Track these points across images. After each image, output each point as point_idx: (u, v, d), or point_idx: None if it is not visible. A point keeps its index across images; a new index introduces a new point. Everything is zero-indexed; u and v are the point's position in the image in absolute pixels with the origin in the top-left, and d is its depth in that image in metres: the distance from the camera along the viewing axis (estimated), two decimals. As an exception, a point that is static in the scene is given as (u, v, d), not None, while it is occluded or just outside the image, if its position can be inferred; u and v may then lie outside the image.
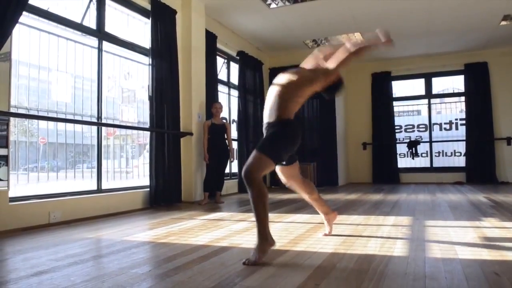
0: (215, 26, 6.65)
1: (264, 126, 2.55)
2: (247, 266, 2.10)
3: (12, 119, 3.44)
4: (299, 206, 4.81)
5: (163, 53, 5.19)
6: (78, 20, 4.41)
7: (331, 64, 2.53)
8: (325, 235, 2.90)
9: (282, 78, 2.57)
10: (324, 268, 2.05)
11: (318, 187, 8.03)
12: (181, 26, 5.73)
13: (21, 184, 3.89)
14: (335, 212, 2.97)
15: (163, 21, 5.21)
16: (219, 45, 6.83)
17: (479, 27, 7.12)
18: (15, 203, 3.43)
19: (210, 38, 6.37)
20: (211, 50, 6.40)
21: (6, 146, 3.31)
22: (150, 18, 5.10)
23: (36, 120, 4.24)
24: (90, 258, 2.37)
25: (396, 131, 9.46)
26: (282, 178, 2.74)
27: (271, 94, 2.54)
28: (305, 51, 8.53)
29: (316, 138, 8.63)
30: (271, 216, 4.01)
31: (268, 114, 2.52)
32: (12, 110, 3.49)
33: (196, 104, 5.72)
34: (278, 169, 2.67)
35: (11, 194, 3.43)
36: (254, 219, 2.30)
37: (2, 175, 3.28)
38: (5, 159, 3.30)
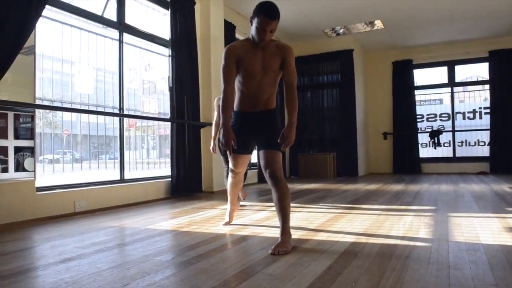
0: (233, 16, 6.64)
1: (261, 113, 2.51)
2: (268, 255, 2.11)
3: (37, 111, 3.53)
4: (319, 196, 4.80)
5: (183, 44, 5.21)
6: (99, 13, 4.46)
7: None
8: (227, 223, 3.04)
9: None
10: (346, 257, 2.05)
11: (338, 177, 8.04)
12: (199, 16, 5.73)
13: (47, 174, 4.00)
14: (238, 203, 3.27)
15: (182, 12, 5.22)
16: (237, 35, 6.81)
17: (505, 12, 6.86)
18: (41, 193, 3.53)
19: (229, 28, 6.36)
20: (230, 40, 6.38)
21: (32, 138, 3.41)
22: (169, 9, 5.12)
23: (60, 112, 4.33)
24: (115, 246, 2.43)
25: (418, 120, 9.27)
26: (238, 166, 2.73)
27: (266, 78, 2.44)
28: (324, 40, 8.52)
29: (336, 128, 8.56)
30: (291, 205, 4.03)
31: (265, 99, 2.50)
32: (37, 102, 3.58)
33: (216, 94, 5.73)
34: (238, 157, 2.65)
35: (38, 184, 3.54)
36: (279, 216, 2.37)
37: (29, 166, 3.37)
38: (31, 151, 3.40)
